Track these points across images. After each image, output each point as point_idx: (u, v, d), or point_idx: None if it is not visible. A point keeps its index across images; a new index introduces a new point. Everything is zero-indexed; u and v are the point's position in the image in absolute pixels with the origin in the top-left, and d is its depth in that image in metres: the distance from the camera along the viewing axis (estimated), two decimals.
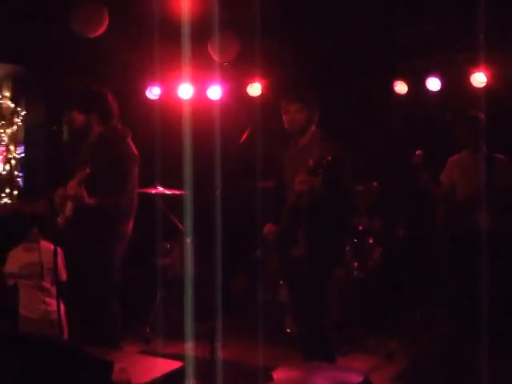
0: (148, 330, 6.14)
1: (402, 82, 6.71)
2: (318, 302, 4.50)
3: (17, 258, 5.11)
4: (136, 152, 4.67)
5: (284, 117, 4.65)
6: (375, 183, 6.56)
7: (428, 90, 6.59)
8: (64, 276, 4.91)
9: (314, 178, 4.25)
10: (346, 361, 5.31)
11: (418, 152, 5.80)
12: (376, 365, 5.43)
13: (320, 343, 4.50)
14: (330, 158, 4.15)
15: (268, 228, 4.70)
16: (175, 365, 3.92)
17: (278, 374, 3.67)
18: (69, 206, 4.51)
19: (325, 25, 6.44)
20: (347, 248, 6.08)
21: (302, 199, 4.38)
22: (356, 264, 6.17)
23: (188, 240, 6.42)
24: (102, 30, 6.04)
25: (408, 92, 6.72)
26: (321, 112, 4.65)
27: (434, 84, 6.55)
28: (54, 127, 4.70)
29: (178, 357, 4.61)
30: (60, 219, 4.52)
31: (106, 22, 6.02)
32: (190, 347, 5.75)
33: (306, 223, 4.46)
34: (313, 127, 4.64)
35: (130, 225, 4.73)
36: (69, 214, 4.52)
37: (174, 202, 6.37)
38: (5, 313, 5.10)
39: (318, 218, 4.42)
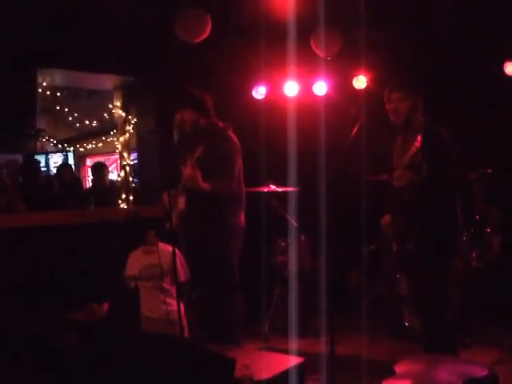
0: (266, 327, 6.20)
1: None
2: (438, 295, 4.42)
3: (136, 261, 5.26)
4: (238, 143, 4.85)
5: (387, 106, 4.59)
6: (489, 170, 6.35)
7: None
8: (183, 276, 5.02)
9: (410, 172, 4.20)
10: (468, 354, 5.17)
11: None
12: (499, 358, 5.25)
13: (441, 336, 4.42)
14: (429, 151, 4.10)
15: (385, 220, 4.67)
16: (296, 360, 3.95)
17: (400, 368, 3.62)
18: (181, 200, 4.73)
19: (427, 10, 6.30)
20: (464, 238, 5.93)
21: (405, 193, 4.32)
22: (474, 254, 5.99)
23: (302, 237, 6.44)
24: (205, 35, 6.14)
25: None
26: (428, 99, 4.55)
27: None
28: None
29: (297, 353, 4.63)
30: (174, 217, 4.68)
31: (210, 27, 6.12)
32: (308, 343, 5.77)
33: (415, 216, 4.39)
34: (418, 115, 4.55)
35: (242, 217, 4.88)
36: (182, 207, 4.69)
37: (286, 200, 6.39)
38: (128, 313, 5.28)
39: (426, 210, 4.34)
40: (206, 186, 4.55)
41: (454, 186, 4.52)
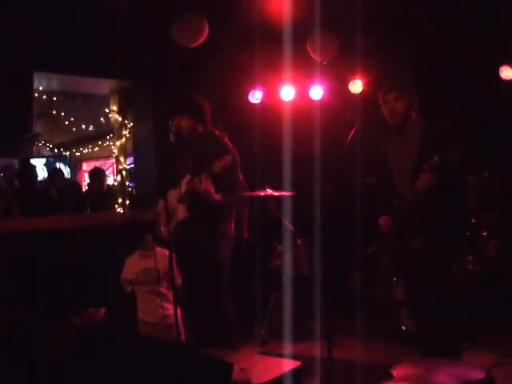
0: (263, 331, 6.19)
1: (508, 68, 6.48)
2: (437, 295, 4.42)
3: (133, 265, 5.27)
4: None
5: (383, 108, 4.58)
6: (486, 173, 6.37)
7: None
8: (179, 280, 5.02)
9: (435, 175, 4.20)
10: (466, 357, 5.17)
11: None
12: (497, 361, 5.25)
13: (439, 340, 4.41)
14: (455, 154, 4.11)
15: (383, 220, 4.66)
16: (293, 364, 3.95)
17: (397, 371, 3.62)
18: (181, 208, 4.70)
19: (424, 12, 6.32)
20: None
21: (422, 195, 4.32)
22: (471, 258, 6.00)
23: (299, 241, 6.43)
24: (202, 39, 6.16)
25: None
26: (423, 100, 4.57)
27: None
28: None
29: (295, 357, 4.63)
30: (171, 225, 4.65)
31: (206, 32, 6.14)
32: (305, 347, 5.76)
33: (424, 217, 4.40)
34: (413, 115, 4.56)
35: (233, 223, 4.89)
36: (183, 215, 4.70)
37: (283, 204, 6.39)
38: (125, 317, 5.27)
39: (436, 211, 4.35)
40: (218, 197, 4.58)
41: (461, 189, 4.56)
